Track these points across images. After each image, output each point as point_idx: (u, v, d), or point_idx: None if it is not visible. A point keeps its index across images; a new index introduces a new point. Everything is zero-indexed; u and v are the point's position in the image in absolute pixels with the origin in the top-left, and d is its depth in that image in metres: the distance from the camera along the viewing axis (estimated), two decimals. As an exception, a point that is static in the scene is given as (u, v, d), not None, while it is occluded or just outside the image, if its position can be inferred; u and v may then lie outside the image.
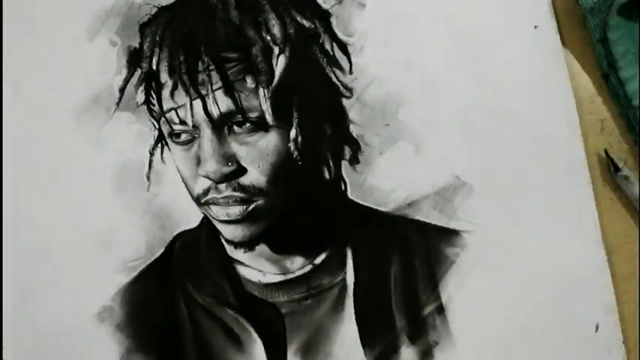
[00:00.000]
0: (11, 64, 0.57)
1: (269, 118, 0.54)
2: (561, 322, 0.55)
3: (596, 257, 0.55)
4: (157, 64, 0.55)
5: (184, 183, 0.56)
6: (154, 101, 0.55)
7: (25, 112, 0.57)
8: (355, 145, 0.57)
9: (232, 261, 0.57)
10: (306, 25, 0.56)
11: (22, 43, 0.58)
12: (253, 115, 0.53)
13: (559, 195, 0.56)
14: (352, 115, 0.57)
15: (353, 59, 0.57)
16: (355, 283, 0.56)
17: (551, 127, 0.56)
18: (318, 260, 0.56)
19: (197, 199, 0.55)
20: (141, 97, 0.56)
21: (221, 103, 0.54)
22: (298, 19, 0.56)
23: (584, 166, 0.56)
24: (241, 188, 0.54)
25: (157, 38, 0.56)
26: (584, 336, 0.54)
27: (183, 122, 0.54)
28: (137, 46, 0.57)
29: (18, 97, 0.57)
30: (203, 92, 0.54)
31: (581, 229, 0.56)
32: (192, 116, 0.54)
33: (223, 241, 0.56)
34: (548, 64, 0.57)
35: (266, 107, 0.54)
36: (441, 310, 0.55)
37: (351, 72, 0.57)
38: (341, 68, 0.57)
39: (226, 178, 0.53)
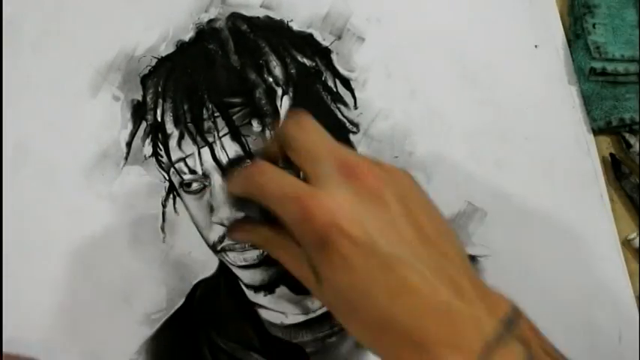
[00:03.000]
0: (13, 126, 0.57)
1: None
2: (583, 340, 0.55)
3: (617, 272, 0.55)
4: (162, 115, 0.55)
5: (199, 231, 0.56)
6: (162, 152, 0.56)
7: (34, 174, 0.57)
8: (365, 181, 0.57)
9: (253, 305, 0.57)
10: (308, 64, 0.56)
11: (24, 104, 0.57)
12: (262, 158, 0.54)
13: (573, 212, 0.56)
14: (360, 150, 0.57)
15: (357, 94, 0.57)
16: (377, 317, 0.57)
17: (560, 146, 0.57)
18: (339, 297, 0.57)
19: (213, 247, 0.55)
20: (148, 149, 0.56)
21: (229, 149, 0.54)
22: (299, 58, 0.56)
23: (598, 181, 0.56)
24: (256, 232, 0.55)
25: (160, 89, 0.56)
26: (606, 354, 0.55)
27: (192, 171, 0.54)
28: (140, 98, 0.57)
29: (24, 159, 0.57)
30: (210, 140, 0.54)
31: (598, 246, 0.56)
32: (202, 165, 0.54)
33: (243, 286, 0.56)
34: (550, 83, 0.58)
35: (274, 150, 0.54)
36: (462, 335, 0.56)
37: (355, 107, 0.57)
38: (345, 104, 0.57)
39: (240, 224, 0.55)
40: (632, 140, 0.57)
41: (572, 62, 0.59)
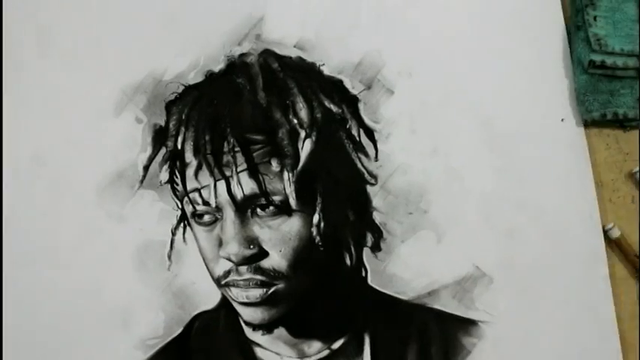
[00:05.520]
0: (33, 136, 0.57)
1: (293, 202, 0.54)
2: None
3: (611, 352, 0.55)
4: (183, 143, 0.55)
5: (205, 263, 0.55)
6: (178, 180, 0.55)
7: (48, 184, 0.57)
8: (378, 233, 0.57)
9: (250, 343, 0.56)
10: (334, 110, 0.56)
11: (45, 115, 0.57)
12: (277, 198, 0.53)
13: (578, 289, 0.56)
14: (376, 202, 0.57)
15: (379, 146, 0.57)
16: (372, 370, 0.57)
17: (573, 222, 0.57)
18: (336, 345, 0.56)
19: (217, 281, 0.55)
20: (165, 175, 0.56)
21: (245, 186, 0.54)
22: (326, 103, 0.56)
23: (604, 260, 0.56)
24: (262, 271, 0.54)
25: (183, 117, 0.55)
26: None
27: (206, 203, 0.54)
28: (163, 124, 0.57)
29: (39, 171, 0.57)
30: (227, 173, 0.54)
31: (597, 324, 0.56)
32: (216, 197, 0.54)
33: (242, 322, 0.56)
34: (572, 158, 0.58)
35: (290, 191, 0.54)
36: (455, 399, 0.57)
37: (376, 159, 0.57)
38: (367, 155, 0.57)
39: (247, 261, 0.53)
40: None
41: (571, 53, 0.59)
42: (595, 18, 0.58)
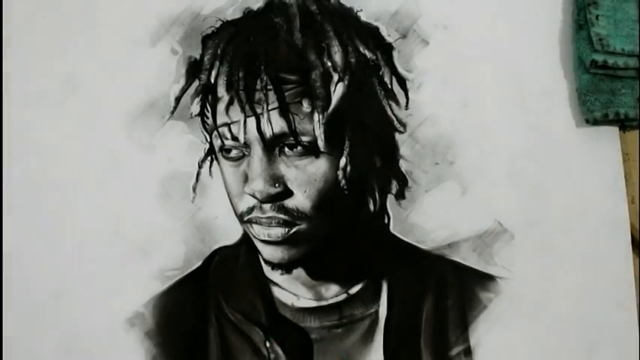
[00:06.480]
0: (67, 58, 0.57)
1: (321, 143, 0.54)
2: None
3: (628, 319, 0.55)
4: (216, 78, 0.55)
5: (229, 199, 0.56)
6: (209, 114, 0.56)
7: (79, 108, 0.57)
8: (403, 181, 0.57)
9: (268, 281, 0.57)
10: (368, 56, 0.56)
11: (82, 39, 0.57)
12: (306, 139, 0.54)
13: (598, 252, 0.56)
14: (403, 150, 0.57)
15: (410, 95, 0.57)
16: (387, 317, 0.56)
17: (599, 184, 0.57)
18: (353, 290, 0.56)
19: (240, 217, 0.55)
20: (196, 108, 0.56)
21: (275, 124, 0.54)
22: (361, 48, 0.56)
23: (626, 224, 0.57)
24: (285, 211, 0.54)
25: (219, 52, 0.56)
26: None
27: (235, 138, 0.54)
28: (198, 57, 0.57)
29: (71, 93, 0.57)
30: (258, 111, 0.54)
31: (616, 289, 0.56)
32: (245, 133, 0.54)
33: (262, 260, 0.56)
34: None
35: (319, 133, 0.54)
36: (468, 352, 0.56)
37: (407, 107, 0.58)
38: (397, 103, 0.57)
39: (272, 199, 0.54)
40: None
41: (573, 52, 0.59)
42: (597, 17, 0.58)
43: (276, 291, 0.57)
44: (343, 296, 0.56)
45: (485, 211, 0.56)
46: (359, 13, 0.58)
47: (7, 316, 0.55)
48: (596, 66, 0.57)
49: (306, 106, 0.54)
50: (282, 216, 0.54)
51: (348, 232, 0.56)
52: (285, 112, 0.54)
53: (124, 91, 0.57)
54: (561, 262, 0.56)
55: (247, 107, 0.54)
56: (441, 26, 0.59)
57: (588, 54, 0.57)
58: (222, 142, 0.55)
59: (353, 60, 0.56)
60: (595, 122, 0.57)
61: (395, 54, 0.57)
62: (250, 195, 0.54)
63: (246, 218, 0.55)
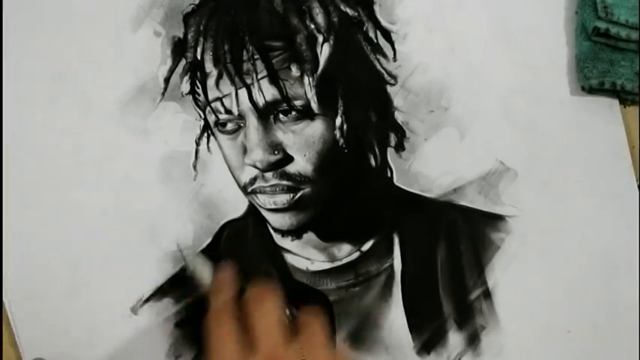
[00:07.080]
0: (52, 56, 0.57)
1: (314, 106, 0.54)
2: (606, 304, 0.56)
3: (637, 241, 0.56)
4: (202, 54, 0.55)
5: (231, 172, 0.56)
6: (199, 91, 0.56)
7: (70, 103, 0.56)
8: (400, 132, 0.57)
9: (280, 249, 0.57)
10: (350, 13, 0.56)
11: (66, 34, 0.57)
12: (299, 103, 0.54)
13: (602, 179, 0.57)
14: (397, 102, 0.57)
15: (397, 47, 0.57)
16: (402, 270, 0.56)
17: (594, 112, 0.57)
18: (366, 247, 0.56)
19: (244, 188, 0.56)
20: (186, 86, 0.56)
21: (266, 92, 0.54)
22: (342, 7, 0.56)
23: (627, 149, 0.57)
24: (288, 176, 0.54)
25: (201, 28, 0.56)
26: (628, 317, 0.55)
27: (228, 111, 0.54)
28: (181, 36, 0.56)
29: (62, 90, 0.56)
30: (248, 81, 0.54)
31: (624, 212, 0.56)
32: (238, 105, 0.54)
33: (271, 229, 0.56)
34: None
35: (311, 95, 0.54)
36: (487, 294, 0.56)
37: (395, 59, 0.57)
38: (385, 56, 0.57)
39: (273, 167, 0.54)
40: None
41: (576, 17, 0.58)
42: None
43: (289, 257, 0.57)
44: (356, 254, 0.56)
45: (486, 152, 0.56)
46: (335, -29, 0.59)
47: (23, 320, 0.55)
48: (597, 33, 0.56)
49: (295, 71, 0.54)
50: (285, 182, 0.54)
51: (353, 190, 0.56)
52: (274, 79, 0.54)
53: (112, 79, 0.56)
54: (567, 193, 0.56)
55: (237, 79, 0.54)
56: (419, -27, 0.59)
57: (592, 20, 0.56)
58: (217, 116, 0.55)
59: (335, 19, 0.56)
60: (591, 90, 0.56)
61: (376, 8, 0.57)
62: (251, 165, 0.54)
63: (250, 189, 0.55)
